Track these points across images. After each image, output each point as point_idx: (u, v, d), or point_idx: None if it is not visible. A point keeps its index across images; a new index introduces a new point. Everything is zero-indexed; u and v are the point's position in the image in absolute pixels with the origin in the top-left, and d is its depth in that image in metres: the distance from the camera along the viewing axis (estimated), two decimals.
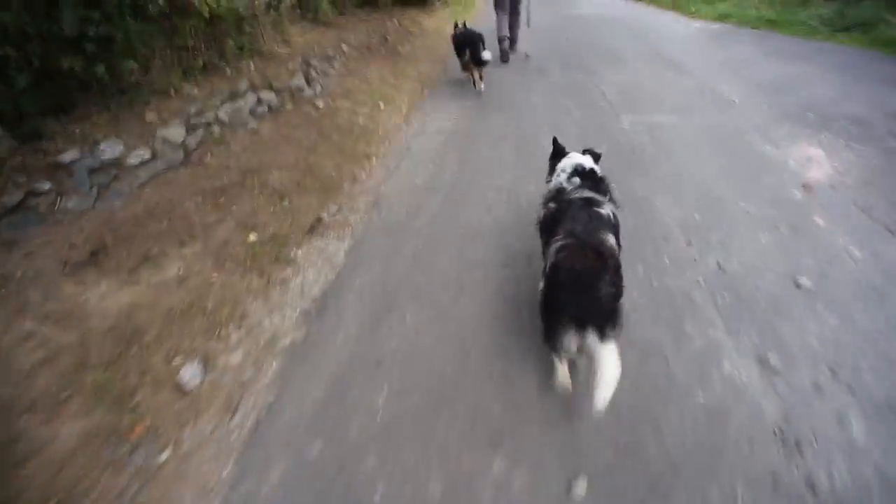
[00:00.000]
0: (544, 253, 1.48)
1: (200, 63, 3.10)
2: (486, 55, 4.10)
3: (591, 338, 1.15)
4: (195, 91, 2.86)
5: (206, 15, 3.14)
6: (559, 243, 1.31)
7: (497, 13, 5.38)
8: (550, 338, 1.29)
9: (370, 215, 2.46)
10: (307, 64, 3.94)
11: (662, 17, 7.80)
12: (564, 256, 1.27)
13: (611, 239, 1.35)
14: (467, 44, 4.21)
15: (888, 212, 2.21)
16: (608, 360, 1.13)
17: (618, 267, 1.28)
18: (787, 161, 2.72)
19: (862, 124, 3.10)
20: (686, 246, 2.06)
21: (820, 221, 2.18)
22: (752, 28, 6.24)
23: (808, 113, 3.37)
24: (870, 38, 5.01)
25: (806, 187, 2.45)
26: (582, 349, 1.19)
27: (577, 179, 1.61)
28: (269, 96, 3.26)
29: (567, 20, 7.81)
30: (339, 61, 4.54)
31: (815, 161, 2.70)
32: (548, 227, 1.52)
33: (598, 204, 1.47)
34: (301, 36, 4.50)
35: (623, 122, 3.39)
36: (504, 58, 5.33)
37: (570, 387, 1.39)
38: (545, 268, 1.37)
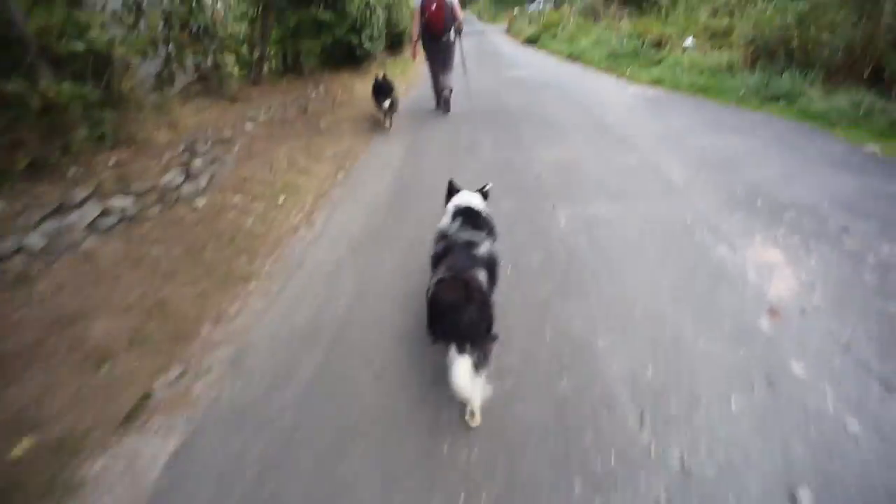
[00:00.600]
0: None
1: (23, 163, 2.45)
2: (386, 104, 5.03)
3: (452, 352, 1.43)
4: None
5: (37, 106, 2.53)
6: (437, 278, 1.62)
7: (430, 70, 5.82)
8: (432, 340, 1.58)
9: (222, 384, 1.82)
10: (192, 152, 3.36)
11: (599, 80, 7.91)
12: (439, 289, 1.56)
13: (481, 276, 1.63)
14: (379, 92, 5.02)
15: (872, 351, 1.82)
16: (459, 369, 1.39)
17: (484, 301, 1.55)
18: (745, 270, 2.35)
19: (814, 215, 2.84)
20: (638, 427, 1.54)
21: (798, 370, 1.75)
22: (686, 94, 6.32)
23: (758, 199, 3.11)
24: (796, 110, 5.07)
25: (773, 313, 2.06)
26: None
27: (458, 221, 1.88)
28: (122, 203, 2.63)
29: (505, 84, 7.78)
30: (241, 143, 4.00)
31: (776, 270, 2.35)
32: (434, 264, 1.79)
33: (476, 245, 1.75)
34: (195, 115, 3.96)
35: (559, 217, 2.99)
36: (445, 108, 5.96)
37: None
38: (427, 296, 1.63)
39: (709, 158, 3.91)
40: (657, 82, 6.97)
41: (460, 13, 5.49)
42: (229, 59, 4.95)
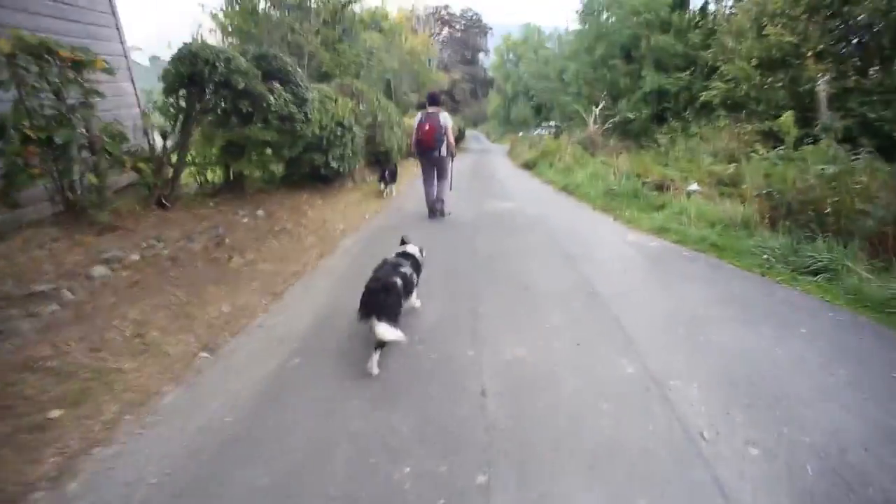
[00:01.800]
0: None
1: None
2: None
3: (373, 319, 2.53)
4: None
5: None
6: (371, 277, 2.86)
7: (425, 183, 6.63)
8: (359, 317, 2.65)
9: None
10: None
11: (594, 221, 7.11)
12: (369, 283, 2.76)
13: (398, 279, 2.81)
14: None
15: None
16: (378, 328, 2.48)
17: (395, 293, 2.73)
18: None
19: None
20: None
21: None
22: (696, 250, 5.36)
23: (849, 494, 1.80)
24: (841, 292, 3.99)
25: None
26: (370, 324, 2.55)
27: (396, 255, 3.29)
28: None
29: (486, 219, 6.96)
30: (71, 299, 2.85)
31: None
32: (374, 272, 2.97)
33: (400, 266, 3.01)
34: (14, 255, 2.86)
35: None
36: (432, 216, 6.72)
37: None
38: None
39: (742, 379, 2.68)
40: (661, 231, 6.09)
41: (452, 138, 6.37)
42: (124, 176, 4.08)
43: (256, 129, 4.76)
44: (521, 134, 31.63)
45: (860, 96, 10.81)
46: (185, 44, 4.20)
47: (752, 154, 10.50)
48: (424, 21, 29.57)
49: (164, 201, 4.36)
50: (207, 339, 2.93)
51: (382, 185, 7.38)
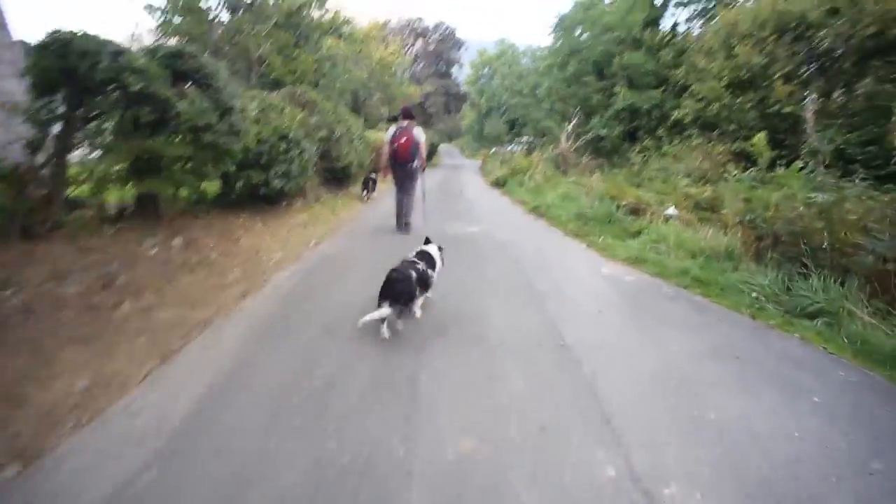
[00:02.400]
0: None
1: None
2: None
3: (385, 304, 3.10)
4: None
5: None
6: (391, 270, 3.31)
7: (397, 194, 6.70)
8: (379, 301, 3.16)
9: None
10: None
11: (565, 248, 6.53)
12: (390, 272, 3.25)
13: (412, 274, 3.33)
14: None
15: None
16: (383, 310, 3.09)
17: (409, 284, 3.26)
18: None
19: None
20: None
21: None
22: (676, 284, 4.83)
23: None
24: (848, 341, 3.49)
25: None
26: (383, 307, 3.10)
27: (415, 254, 3.83)
28: None
29: (446, 244, 6.27)
30: None
31: None
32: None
33: (416, 264, 3.53)
34: None
35: None
36: (406, 230, 6.73)
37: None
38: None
39: (756, 479, 2.06)
40: (638, 262, 5.56)
41: (424, 153, 6.54)
42: None
43: (161, 143, 3.95)
44: (493, 150, 31.42)
45: (826, 118, 10.86)
46: (54, 30, 3.41)
47: (726, 175, 10.32)
48: (398, 32, 29.16)
49: (33, 230, 3.50)
50: (29, 441, 2.11)
51: (365, 193, 9.27)
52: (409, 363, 3.00)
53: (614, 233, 6.66)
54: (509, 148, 30.90)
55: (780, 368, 3.12)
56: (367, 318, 3.09)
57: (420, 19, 30.68)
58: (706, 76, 14.79)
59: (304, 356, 3.06)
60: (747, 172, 9.79)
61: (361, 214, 8.55)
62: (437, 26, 31.30)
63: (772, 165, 9.59)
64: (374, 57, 19.05)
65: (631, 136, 18.92)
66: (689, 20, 20.14)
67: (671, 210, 6.83)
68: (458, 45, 32.00)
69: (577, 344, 3.40)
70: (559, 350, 3.32)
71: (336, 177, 9.79)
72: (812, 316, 3.86)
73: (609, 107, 19.12)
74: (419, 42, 30.33)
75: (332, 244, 6.15)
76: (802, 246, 4.42)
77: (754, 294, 4.37)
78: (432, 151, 30.68)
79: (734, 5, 16.85)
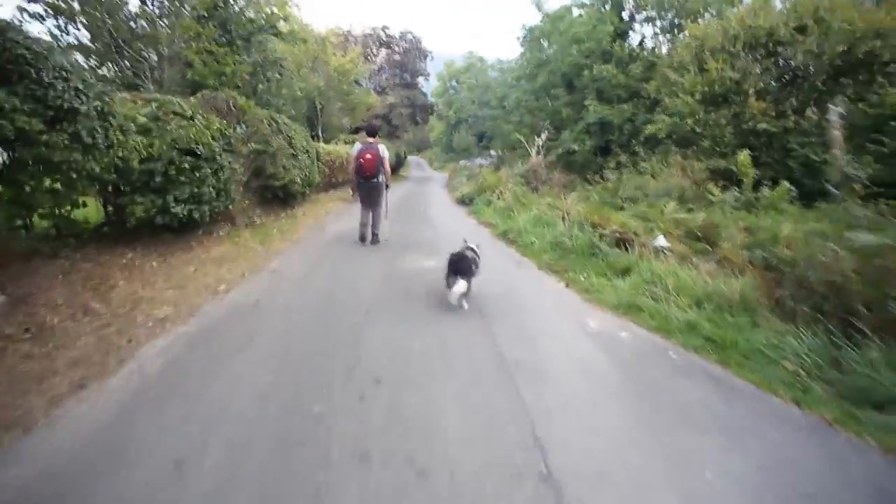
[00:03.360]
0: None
1: None
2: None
3: (457, 278, 4.22)
4: None
5: None
6: (451, 254, 4.49)
7: (361, 206, 7.00)
8: (447, 277, 4.38)
9: None
10: None
11: (540, 290, 5.43)
12: (452, 256, 4.43)
13: (470, 256, 4.50)
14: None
15: None
16: (459, 284, 4.17)
17: (468, 263, 4.35)
18: None
19: None
20: None
21: None
22: (685, 347, 3.77)
23: None
24: None
25: None
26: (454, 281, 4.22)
27: (463, 249, 4.67)
28: None
29: (392, 285, 5.06)
30: None
31: None
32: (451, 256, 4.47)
33: (471, 249, 4.65)
34: None
35: None
36: (374, 241, 7.06)
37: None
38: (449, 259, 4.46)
39: None
40: (631, 310, 4.50)
41: (388, 169, 6.86)
42: None
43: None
44: (461, 163, 30.51)
45: (799, 136, 10.46)
46: None
47: (708, 195, 9.61)
48: (361, 41, 28.00)
49: None
50: None
51: (353, 195, 8.37)
52: None
53: (598, 269, 5.61)
54: (477, 161, 30.09)
55: None
56: (457, 293, 4.20)
57: (385, 28, 29.63)
58: (678, 90, 14.35)
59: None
60: (728, 193, 9.14)
61: (304, 240, 7.23)
62: (402, 34, 30.36)
63: (756, 186, 8.94)
64: (332, 64, 17.76)
65: (603, 151, 18.34)
66: (655, 35, 19.94)
67: (661, 240, 5.86)
68: (425, 54, 31.11)
69: (566, 473, 2.23)
70: (543, 488, 2.14)
71: (278, 196, 8.44)
72: (880, 405, 2.85)
73: (579, 120, 18.52)
74: (384, 51, 29.23)
75: (251, 289, 4.81)
76: (846, 301, 3.44)
77: (788, 363, 3.35)
78: (399, 163, 29.51)
79: (700, 20, 16.64)
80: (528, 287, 5.45)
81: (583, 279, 5.43)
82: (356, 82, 21.39)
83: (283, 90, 10.91)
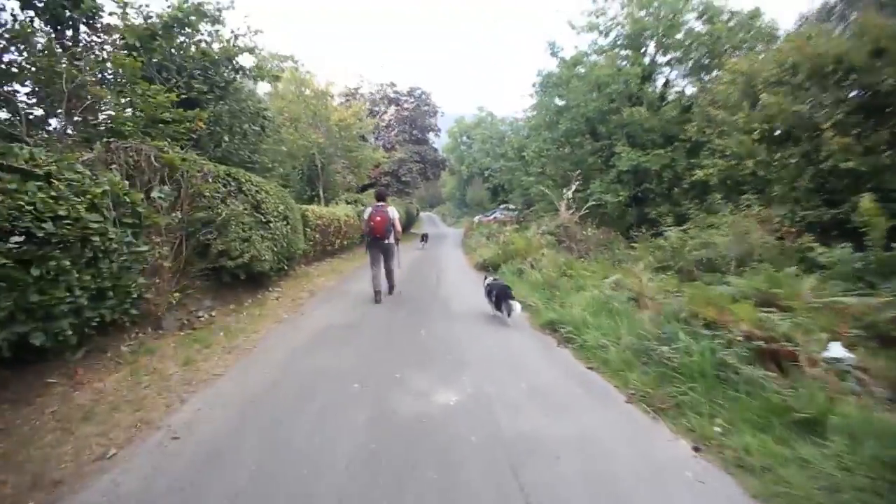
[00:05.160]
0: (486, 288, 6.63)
1: None
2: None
3: (510, 301, 5.88)
4: None
5: None
6: (487, 283, 6.71)
7: (371, 267, 7.22)
8: (496, 306, 6.14)
9: None
10: None
11: (652, 458, 3.05)
12: (490, 283, 6.63)
13: (503, 283, 6.71)
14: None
15: None
16: (515, 305, 5.81)
17: (505, 290, 6.18)
18: None
19: None
20: None
21: None
22: None
23: None
24: None
25: None
26: (503, 305, 5.94)
27: (491, 279, 6.99)
28: None
29: (395, 455, 2.73)
30: None
31: None
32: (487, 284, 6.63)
33: (497, 280, 6.94)
34: None
35: None
36: (377, 300, 7.11)
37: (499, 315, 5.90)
38: (486, 289, 6.65)
39: None
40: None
41: (399, 228, 7.37)
42: None
43: None
44: (476, 219, 28.74)
45: None
46: None
47: (811, 255, 7.39)
48: (368, 98, 27.33)
49: None
50: None
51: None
52: None
53: (745, 411, 3.19)
54: (493, 215, 28.28)
55: None
56: (516, 313, 5.77)
57: (393, 84, 29.09)
58: (730, 129, 12.44)
59: None
60: (841, 249, 6.88)
61: (261, 346, 4.94)
62: (411, 90, 29.75)
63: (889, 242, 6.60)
64: (333, 118, 16.40)
65: (637, 201, 16.25)
66: (683, 76, 18.46)
67: (838, 349, 3.47)
68: (434, 110, 30.38)
69: None
70: None
71: (240, 278, 6.32)
72: None
73: (608, 169, 16.61)
74: (392, 108, 28.50)
75: (112, 485, 2.49)
76: None
77: None
78: (409, 221, 27.88)
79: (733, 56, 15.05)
80: (622, 448, 3.03)
81: (720, 433, 3.02)
82: (361, 138, 20.09)
83: (263, 145, 9.19)
